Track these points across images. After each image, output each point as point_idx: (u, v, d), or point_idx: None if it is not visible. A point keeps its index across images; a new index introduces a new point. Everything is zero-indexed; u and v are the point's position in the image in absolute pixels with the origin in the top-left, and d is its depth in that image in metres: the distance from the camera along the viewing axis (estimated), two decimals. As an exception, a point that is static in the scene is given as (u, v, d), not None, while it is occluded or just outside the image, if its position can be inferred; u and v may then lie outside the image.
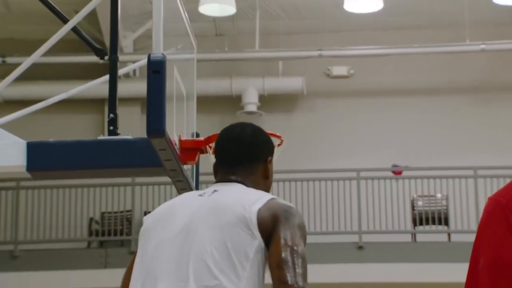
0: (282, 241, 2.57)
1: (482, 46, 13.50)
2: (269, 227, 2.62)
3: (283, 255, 2.55)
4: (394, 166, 13.71)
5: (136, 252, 2.78)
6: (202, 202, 2.73)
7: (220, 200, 2.70)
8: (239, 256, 2.59)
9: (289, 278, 2.52)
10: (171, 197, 13.14)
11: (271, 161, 2.90)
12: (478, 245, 2.18)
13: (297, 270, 2.53)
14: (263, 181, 2.87)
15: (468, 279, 2.19)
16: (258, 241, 2.60)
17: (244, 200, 2.67)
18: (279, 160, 6.05)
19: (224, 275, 2.56)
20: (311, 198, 13.22)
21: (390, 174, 13.61)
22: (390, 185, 13.27)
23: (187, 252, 2.63)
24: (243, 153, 2.85)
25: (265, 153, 2.88)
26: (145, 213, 13.32)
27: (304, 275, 2.55)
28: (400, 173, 13.56)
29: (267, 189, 2.87)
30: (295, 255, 2.55)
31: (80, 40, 5.61)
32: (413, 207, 13.18)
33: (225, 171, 2.85)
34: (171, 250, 2.66)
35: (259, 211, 2.63)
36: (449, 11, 13.76)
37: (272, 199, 2.69)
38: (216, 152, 2.90)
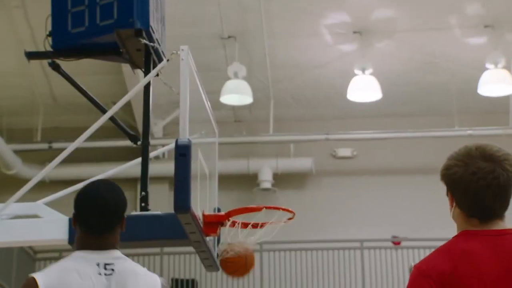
0: None
1: (469, 132, 13.52)
2: None
3: None
4: (394, 237, 13.62)
5: None
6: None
7: None
8: None
9: None
10: (195, 266, 13.07)
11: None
12: None
13: None
14: (119, 234, 2.83)
15: None
16: None
17: None
18: (291, 231, 6.05)
19: None
20: (320, 266, 13.13)
21: (391, 244, 13.50)
22: (391, 254, 13.15)
23: None
24: (114, 221, 2.79)
25: (124, 211, 2.82)
26: (172, 280, 13.23)
27: None
28: (399, 243, 13.46)
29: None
30: None
31: (116, 127, 5.68)
32: (411, 274, 13.03)
33: (99, 238, 2.77)
34: None
35: None
36: (440, 100, 13.85)
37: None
38: (84, 220, 2.75)
